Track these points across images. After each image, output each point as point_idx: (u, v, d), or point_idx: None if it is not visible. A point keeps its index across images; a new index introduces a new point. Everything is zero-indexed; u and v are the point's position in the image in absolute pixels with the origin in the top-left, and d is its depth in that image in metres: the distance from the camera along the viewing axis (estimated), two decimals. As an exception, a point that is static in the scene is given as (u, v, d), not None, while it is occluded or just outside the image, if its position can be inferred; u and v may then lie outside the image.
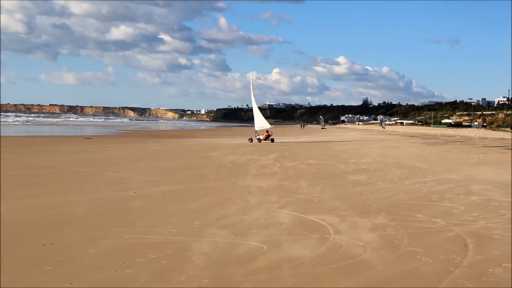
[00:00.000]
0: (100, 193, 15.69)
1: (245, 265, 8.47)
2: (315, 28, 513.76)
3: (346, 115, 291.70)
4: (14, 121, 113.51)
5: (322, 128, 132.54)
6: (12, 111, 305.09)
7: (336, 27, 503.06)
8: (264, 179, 19.25)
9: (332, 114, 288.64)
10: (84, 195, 15.20)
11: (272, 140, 47.01)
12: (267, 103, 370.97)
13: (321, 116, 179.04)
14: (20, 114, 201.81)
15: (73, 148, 36.25)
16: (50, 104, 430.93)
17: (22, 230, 10.77)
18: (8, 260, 8.59)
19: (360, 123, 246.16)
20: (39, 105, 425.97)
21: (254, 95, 50.47)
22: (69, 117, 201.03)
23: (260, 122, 48.71)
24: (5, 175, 19.39)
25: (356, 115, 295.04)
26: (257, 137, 47.13)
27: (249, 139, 47.69)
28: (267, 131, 47.98)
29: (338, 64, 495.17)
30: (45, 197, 14.93)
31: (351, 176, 20.29)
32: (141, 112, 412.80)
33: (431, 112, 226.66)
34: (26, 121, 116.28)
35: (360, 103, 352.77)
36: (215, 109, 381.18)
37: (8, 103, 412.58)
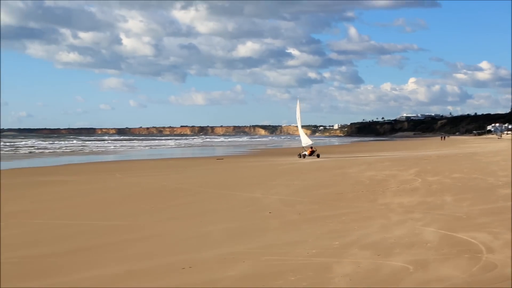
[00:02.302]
0: (236, 214, 16.06)
1: (391, 287, 8.33)
2: (453, 32, 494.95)
3: (493, 125, 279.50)
4: (152, 145, 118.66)
5: (498, 138, 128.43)
6: (144, 134, 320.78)
7: (477, 30, 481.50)
8: (406, 195, 18.86)
9: (476, 124, 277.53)
10: (219, 217, 15.62)
11: (318, 155, 49.52)
12: (404, 114, 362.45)
13: (497, 124, 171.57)
14: (152, 137, 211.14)
15: (206, 168, 37.40)
16: (181, 126, 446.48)
17: (161, 254, 11.22)
18: (150, 285, 8.99)
19: (509, 132, 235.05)
20: (170, 127, 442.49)
21: (299, 117, 56.78)
22: (200, 138, 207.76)
23: (304, 139, 54.10)
24: (141, 199, 20.36)
25: (505, 123, 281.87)
26: (303, 153, 50.52)
27: (298, 155, 50.64)
28: (311, 147, 51.62)
29: (481, 70, 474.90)
30: (181, 219, 15.50)
31: (503, 190, 19.40)
32: (272, 129, 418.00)
33: None
34: (156, 144, 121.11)
35: (508, 110, 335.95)
36: (348, 124, 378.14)
37: (141, 127, 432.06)
